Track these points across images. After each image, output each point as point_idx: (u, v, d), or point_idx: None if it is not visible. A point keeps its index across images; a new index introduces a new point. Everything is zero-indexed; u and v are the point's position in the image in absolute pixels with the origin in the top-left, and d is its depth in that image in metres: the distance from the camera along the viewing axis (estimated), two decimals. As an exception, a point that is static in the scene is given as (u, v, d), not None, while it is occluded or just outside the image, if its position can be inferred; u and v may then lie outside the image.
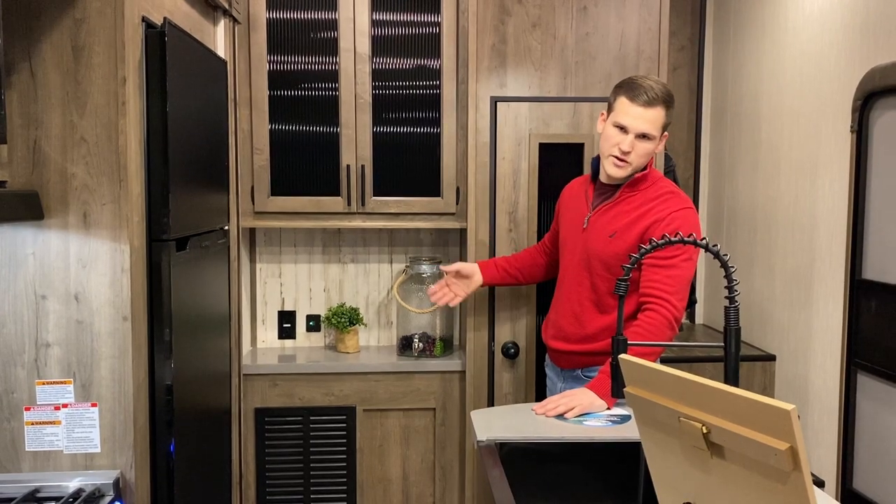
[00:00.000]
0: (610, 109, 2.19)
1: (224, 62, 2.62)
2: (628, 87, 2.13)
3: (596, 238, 2.21)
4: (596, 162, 2.28)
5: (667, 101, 2.14)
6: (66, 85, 1.75)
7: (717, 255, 1.63)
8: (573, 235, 2.30)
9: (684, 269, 2.09)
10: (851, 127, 3.05)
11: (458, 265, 2.60)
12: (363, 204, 2.91)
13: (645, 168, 2.20)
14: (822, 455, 3.30)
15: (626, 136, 2.13)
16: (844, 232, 3.09)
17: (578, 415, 1.99)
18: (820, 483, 3.21)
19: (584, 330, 2.25)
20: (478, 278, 2.58)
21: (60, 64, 1.74)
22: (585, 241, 2.24)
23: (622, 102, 2.13)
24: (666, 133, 2.19)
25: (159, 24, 1.92)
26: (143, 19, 1.86)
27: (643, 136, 2.12)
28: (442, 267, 2.67)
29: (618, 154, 2.14)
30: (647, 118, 2.11)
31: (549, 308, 2.43)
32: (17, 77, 1.73)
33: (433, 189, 2.97)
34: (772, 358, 3.79)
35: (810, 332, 3.41)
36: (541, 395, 2.80)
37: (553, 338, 2.36)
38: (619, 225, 2.17)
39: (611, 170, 2.18)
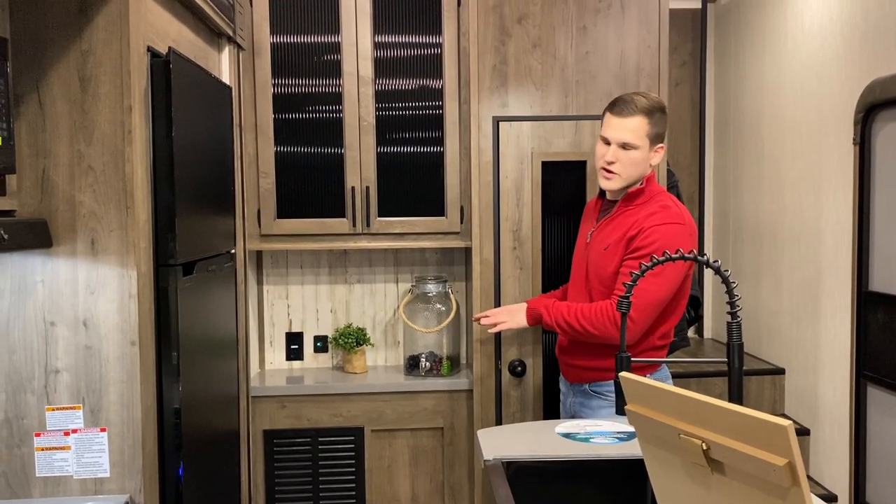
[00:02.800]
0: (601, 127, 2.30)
1: (229, 88, 2.65)
2: (612, 103, 2.26)
3: (594, 252, 2.27)
4: None
5: (648, 110, 2.18)
6: (73, 114, 1.78)
7: (717, 271, 1.63)
8: (580, 250, 2.39)
9: (654, 287, 2.09)
10: (854, 139, 3.06)
11: (498, 314, 2.48)
12: (368, 225, 2.94)
13: (641, 182, 2.22)
14: (833, 469, 3.27)
15: (609, 147, 2.21)
16: (850, 244, 3.09)
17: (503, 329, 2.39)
18: (832, 498, 3.18)
19: (589, 344, 2.27)
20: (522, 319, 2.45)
21: (68, 94, 1.78)
22: (588, 255, 2.31)
23: (606, 117, 2.26)
24: (661, 145, 2.22)
25: (164, 52, 1.96)
26: (149, 49, 1.89)
27: (626, 146, 2.19)
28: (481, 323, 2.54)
29: (604, 165, 2.22)
30: (626, 127, 2.18)
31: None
32: (26, 108, 1.77)
33: (437, 209, 2.99)
34: (781, 371, 3.78)
35: (818, 344, 3.40)
36: (549, 413, 2.80)
37: (561, 351, 2.41)
38: (613, 238, 2.22)
39: (601, 182, 2.27)
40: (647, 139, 2.19)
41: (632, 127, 2.18)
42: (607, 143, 2.22)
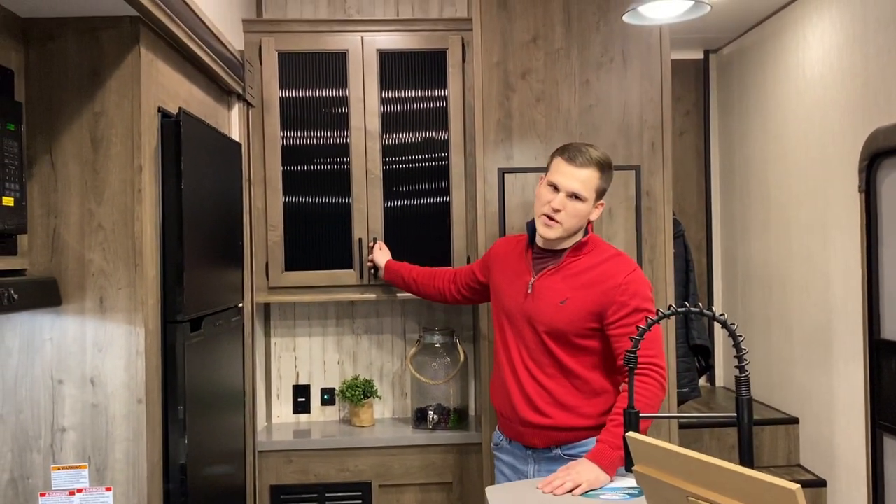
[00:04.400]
0: (547, 171, 2.22)
1: (238, 144, 2.70)
2: (563, 149, 2.19)
3: (545, 305, 2.16)
4: (531, 225, 2.25)
5: (600, 164, 2.15)
6: (84, 175, 1.82)
7: (724, 325, 1.63)
8: (515, 299, 2.22)
9: (655, 330, 2.09)
10: (859, 187, 3.07)
11: (374, 257, 2.90)
12: (376, 276, 2.95)
13: (585, 234, 2.21)
14: (852, 522, 3.20)
15: (557, 194, 2.14)
16: (859, 291, 3.08)
17: (585, 491, 1.95)
18: (852, 552, 3.10)
19: (559, 402, 2.16)
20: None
21: (80, 155, 1.82)
22: (533, 307, 2.18)
23: (557, 162, 2.17)
24: (602, 202, 2.18)
25: (175, 113, 2.00)
26: (160, 109, 1.94)
27: (574, 196, 2.13)
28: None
29: (549, 212, 2.13)
30: (578, 177, 2.13)
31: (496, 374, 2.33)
32: (38, 168, 1.81)
33: (444, 260, 3.00)
34: (795, 421, 3.73)
35: (832, 393, 3.35)
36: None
37: (526, 410, 2.18)
38: (569, 291, 2.14)
39: (541, 229, 2.16)
40: (594, 193, 2.15)
41: (583, 178, 2.12)
42: (556, 189, 2.14)
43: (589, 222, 2.23)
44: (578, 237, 2.21)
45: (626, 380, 2.03)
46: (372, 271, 2.94)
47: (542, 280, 2.19)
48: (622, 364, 2.06)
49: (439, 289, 2.65)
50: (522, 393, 2.21)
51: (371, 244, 2.94)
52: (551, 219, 2.14)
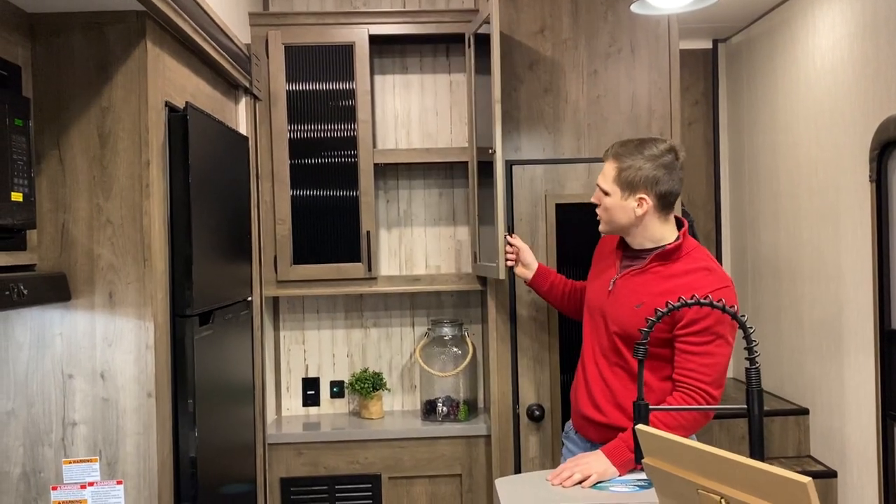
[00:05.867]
0: None
1: (245, 138, 2.70)
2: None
3: (621, 305, 2.12)
4: None
5: (616, 155, 2.10)
6: (92, 170, 1.82)
7: (734, 317, 1.62)
8: (598, 295, 2.22)
9: (720, 356, 2.00)
10: (870, 176, 3.04)
11: (523, 250, 2.57)
12: (512, 271, 2.89)
13: (678, 238, 2.10)
14: (863, 513, 3.19)
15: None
16: (871, 282, 3.05)
17: (594, 483, 1.94)
18: (863, 543, 3.09)
19: (618, 403, 2.14)
20: (531, 272, 2.56)
21: (87, 150, 1.82)
22: (610, 305, 2.15)
23: None
24: (642, 196, 2.06)
25: (182, 107, 2.00)
26: (167, 104, 1.94)
27: (601, 190, 2.14)
28: (509, 238, 2.59)
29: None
30: (602, 172, 2.15)
31: (573, 368, 2.37)
32: (47, 164, 1.81)
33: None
34: (805, 412, 3.71)
35: (843, 384, 3.34)
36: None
37: (586, 405, 2.20)
38: (646, 295, 2.07)
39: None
40: (615, 185, 2.09)
41: (604, 171, 2.14)
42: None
43: (685, 225, 2.13)
44: (665, 240, 2.10)
45: (675, 395, 1.99)
46: (509, 265, 2.60)
47: (624, 280, 2.14)
48: (678, 379, 2.03)
49: (576, 305, 2.48)
50: (587, 386, 2.20)
51: (508, 235, 2.61)
52: (597, 213, 2.17)
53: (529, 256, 2.57)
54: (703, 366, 1.99)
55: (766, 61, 4.03)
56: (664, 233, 2.11)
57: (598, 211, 2.17)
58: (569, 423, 2.37)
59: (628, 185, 2.08)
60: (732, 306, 1.64)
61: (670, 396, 2.02)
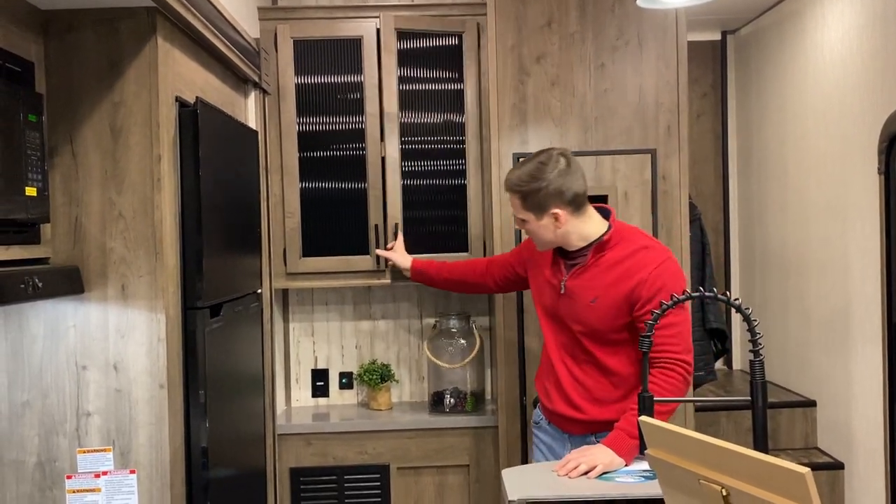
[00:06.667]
0: None
1: (255, 132, 2.72)
2: None
3: (577, 304, 2.17)
4: None
5: (512, 187, 2.16)
6: (104, 164, 1.85)
7: (738, 309, 1.63)
8: (551, 299, 2.25)
9: (682, 324, 2.09)
10: (879, 169, 3.04)
11: (391, 257, 2.87)
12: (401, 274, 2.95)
13: (610, 228, 2.16)
14: (869, 505, 3.20)
15: None
16: (879, 274, 3.05)
17: (600, 474, 1.97)
18: (869, 534, 3.10)
19: (595, 398, 2.19)
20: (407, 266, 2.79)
21: (100, 145, 1.85)
22: (567, 306, 2.20)
23: None
24: (556, 210, 2.10)
25: (192, 102, 2.02)
26: (177, 99, 1.96)
27: (519, 219, 2.21)
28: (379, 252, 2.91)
29: None
30: (511, 203, 2.21)
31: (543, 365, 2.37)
32: (60, 159, 1.84)
33: (461, 244, 3.02)
34: (812, 404, 3.72)
35: (850, 376, 3.34)
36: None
37: (562, 403, 2.24)
38: (598, 289, 2.13)
39: None
40: (526, 212, 2.15)
41: (511, 203, 2.20)
42: None
43: (612, 212, 2.20)
44: (597, 233, 2.16)
45: (655, 373, 2.04)
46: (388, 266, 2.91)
47: (573, 280, 2.19)
48: (653, 357, 2.06)
49: (474, 284, 2.63)
50: (559, 387, 2.25)
51: (388, 247, 2.90)
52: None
53: (399, 262, 2.82)
54: (671, 337, 2.06)
55: (775, 53, 4.02)
56: (592, 228, 2.18)
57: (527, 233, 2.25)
58: (537, 413, 2.41)
59: (538, 208, 2.14)
60: (726, 293, 1.66)
61: (654, 374, 2.07)
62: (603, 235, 2.16)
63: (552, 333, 2.27)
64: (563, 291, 2.20)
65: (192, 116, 1.97)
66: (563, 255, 2.23)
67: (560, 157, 2.14)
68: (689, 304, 2.12)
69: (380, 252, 2.91)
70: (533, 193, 2.13)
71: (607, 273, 2.14)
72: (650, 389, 1.99)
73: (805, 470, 0.92)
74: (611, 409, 2.17)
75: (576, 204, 2.14)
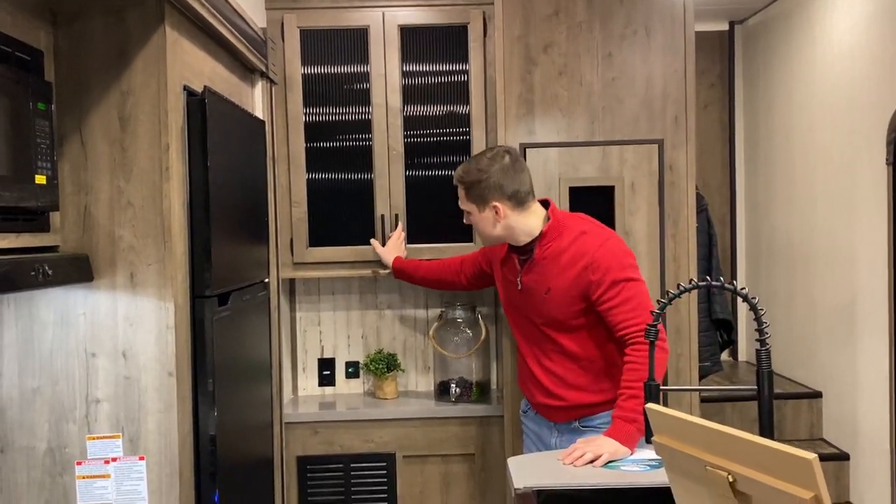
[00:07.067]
0: None
1: (262, 122, 2.73)
2: None
3: (534, 297, 2.26)
4: None
5: (460, 178, 2.29)
6: (113, 153, 1.85)
7: (745, 298, 1.63)
8: (513, 296, 2.36)
9: (639, 295, 2.14)
10: (887, 159, 3.03)
11: (379, 252, 2.93)
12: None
13: (548, 219, 2.25)
14: (875, 497, 3.21)
15: None
16: (886, 266, 3.05)
17: (605, 462, 1.98)
18: (874, 525, 3.11)
19: (570, 384, 2.26)
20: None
21: (108, 133, 1.85)
22: (526, 301, 2.29)
23: None
24: (496, 204, 2.21)
25: (200, 91, 2.03)
26: (185, 88, 1.96)
27: (465, 211, 2.32)
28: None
29: None
30: (459, 196, 2.33)
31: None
32: (69, 147, 1.85)
33: (466, 234, 3.02)
34: (818, 395, 3.72)
35: (856, 368, 3.34)
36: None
37: (541, 395, 2.33)
38: (549, 280, 2.22)
39: None
40: (470, 204, 2.28)
41: (459, 195, 2.31)
42: None
43: (551, 203, 2.30)
44: (539, 227, 2.24)
45: (629, 352, 2.10)
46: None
47: (527, 275, 2.28)
48: (621, 335, 2.14)
49: (450, 282, 2.77)
50: (535, 379, 2.34)
51: (389, 237, 2.95)
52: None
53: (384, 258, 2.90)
54: (631, 311, 2.12)
55: (783, 43, 4.00)
56: (534, 222, 2.26)
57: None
58: (524, 402, 2.50)
59: (480, 199, 2.25)
60: (733, 282, 1.66)
61: (625, 355, 2.12)
62: (545, 227, 2.25)
63: (518, 329, 2.38)
64: (520, 287, 2.30)
65: (201, 105, 1.97)
66: (515, 251, 2.31)
67: (506, 154, 2.26)
68: (641, 276, 2.21)
69: (373, 242, 2.95)
70: (475, 185, 2.25)
71: (554, 263, 2.21)
72: (631, 369, 2.08)
73: (812, 456, 0.93)
74: (587, 391, 2.25)
75: (517, 199, 2.24)
